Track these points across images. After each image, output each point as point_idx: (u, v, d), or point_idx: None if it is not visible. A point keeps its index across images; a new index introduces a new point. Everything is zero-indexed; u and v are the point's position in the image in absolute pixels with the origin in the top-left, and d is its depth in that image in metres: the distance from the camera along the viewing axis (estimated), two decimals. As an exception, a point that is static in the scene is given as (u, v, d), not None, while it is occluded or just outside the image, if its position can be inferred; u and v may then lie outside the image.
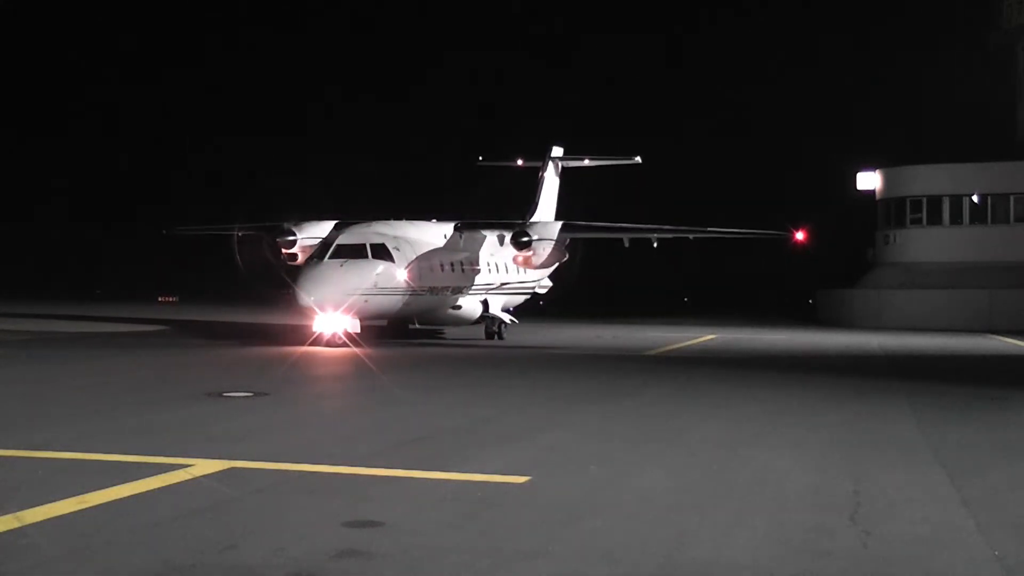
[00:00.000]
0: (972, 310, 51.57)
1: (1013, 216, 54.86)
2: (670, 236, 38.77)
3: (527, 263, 34.80)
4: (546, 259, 34.60)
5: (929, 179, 56.18)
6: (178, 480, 10.26)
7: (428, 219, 35.84)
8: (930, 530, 8.77)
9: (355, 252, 30.41)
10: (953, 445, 13.31)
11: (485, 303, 35.78)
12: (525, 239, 33.77)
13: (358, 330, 29.97)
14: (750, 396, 18.93)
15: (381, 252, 30.81)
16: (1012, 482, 10.98)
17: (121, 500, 9.36)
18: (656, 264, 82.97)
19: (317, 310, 29.40)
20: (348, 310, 29.51)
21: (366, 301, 29.92)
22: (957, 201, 55.54)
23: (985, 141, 59.32)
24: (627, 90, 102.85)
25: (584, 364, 26.60)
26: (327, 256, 30.17)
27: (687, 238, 39.56)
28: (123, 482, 9.98)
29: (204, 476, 10.48)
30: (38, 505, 8.96)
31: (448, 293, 34.26)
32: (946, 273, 53.63)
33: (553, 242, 33.89)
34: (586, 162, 44.76)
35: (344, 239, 30.95)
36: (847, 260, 65.79)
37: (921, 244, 55.69)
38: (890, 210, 57.66)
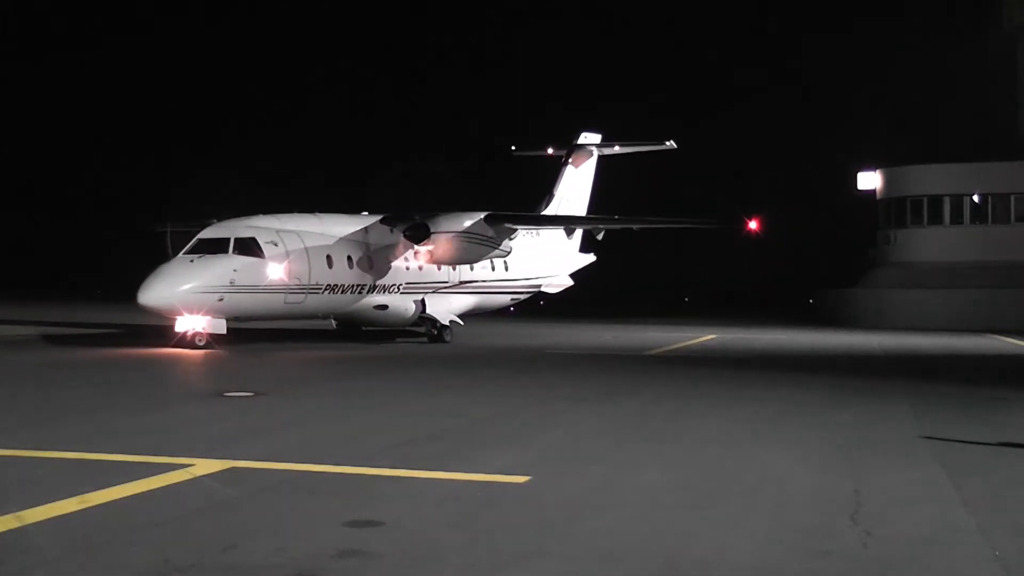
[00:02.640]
0: (973, 310, 51.61)
1: (1014, 216, 54.93)
2: (614, 227, 37.68)
3: (430, 259, 32.18)
4: (456, 254, 32.00)
5: (930, 179, 56.25)
6: (179, 480, 10.26)
7: (360, 213, 33.28)
8: (930, 530, 8.77)
9: (215, 247, 28.10)
10: (954, 445, 13.31)
11: (422, 303, 33.17)
12: (415, 233, 31.74)
13: (223, 331, 27.76)
14: (750, 396, 18.93)
15: (248, 246, 28.38)
16: (1013, 482, 10.98)
17: (122, 500, 9.36)
18: (656, 263, 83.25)
19: (157, 312, 27.39)
20: (197, 310, 27.15)
21: (220, 300, 27.42)
22: (958, 201, 55.62)
23: (986, 141, 59.41)
24: (639, 80, 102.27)
25: (584, 364, 26.60)
26: (182, 252, 28.08)
27: (631, 228, 38.65)
28: (124, 482, 9.99)
29: (205, 476, 10.48)
30: (39, 505, 8.97)
31: (362, 292, 31.61)
32: (947, 273, 53.67)
33: (459, 236, 31.45)
34: (616, 149, 42.32)
35: (208, 233, 28.72)
36: (847, 260, 65.91)
37: (922, 244, 55.76)
38: (891, 210, 57.71)
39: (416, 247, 31.90)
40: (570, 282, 41.25)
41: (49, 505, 8.99)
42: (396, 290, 32.65)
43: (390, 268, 32.38)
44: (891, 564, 7.79)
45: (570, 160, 41.41)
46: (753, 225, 35.49)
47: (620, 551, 8.00)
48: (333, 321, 33.13)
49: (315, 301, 30.30)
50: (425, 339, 33.48)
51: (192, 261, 27.52)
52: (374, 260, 31.95)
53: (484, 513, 9.17)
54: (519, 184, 43.39)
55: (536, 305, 53.54)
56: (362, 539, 8.15)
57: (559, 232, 39.81)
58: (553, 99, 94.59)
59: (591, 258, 42.03)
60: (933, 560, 7.91)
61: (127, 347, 28.63)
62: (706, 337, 39.69)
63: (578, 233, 40.92)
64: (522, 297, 40.08)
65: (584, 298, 61.59)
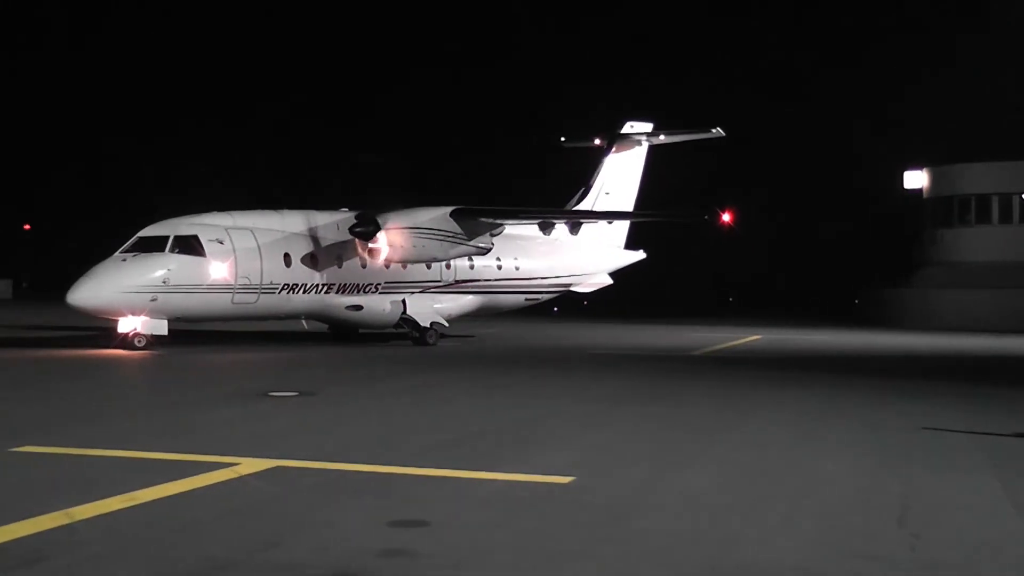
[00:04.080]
0: (1021, 311, 50.90)
1: (1064, 215, 54.15)
2: (588, 221, 36.29)
3: (381, 256, 30.12)
4: (410, 252, 30.03)
5: (978, 177, 55.58)
6: (224, 478, 10.33)
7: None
8: (980, 536, 8.64)
9: (152, 245, 27.08)
10: (1005, 450, 13.11)
11: (403, 304, 31.62)
12: (361, 229, 29.98)
13: (163, 331, 26.85)
14: (795, 397, 18.79)
15: (189, 244, 27.27)
16: (1064, 486, 10.81)
17: (168, 498, 9.44)
18: (698, 262, 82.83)
19: (86, 313, 26.55)
20: (128, 311, 26.35)
21: (153, 300, 26.39)
22: (1006, 200, 54.91)
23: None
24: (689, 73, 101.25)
25: (628, 364, 26.53)
26: (119, 250, 27.16)
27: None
28: (170, 480, 10.07)
29: (250, 475, 10.55)
30: (87, 502, 9.07)
31: (329, 292, 30.20)
32: (995, 273, 52.97)
33: (410, 231, 29.74)
34: (662, 138, 40.07)
35: (148, 231, 27.61)
36: (893, 260, 65.26)
37: (969, 243, 55.08)
38: (938, 209, 57.08)
39: (369, 244, 30.02)
40: (608, 281, 39.51)
41: (97, 502, 9.08)
42: (373, 289, 31.18)
43: (364, 267, 30.80)
44: (940, 569, 7.69)
45: (613, 151, 39.58)
46: (726, 217, 35.20)
47: (664, 552, 7.96)
48: (304, 322, 31.75)
49: (271, 301, 28.98)
50: (409, 342, 31.89)
51: (124, 260, 26.68)
52: (344, 258, 30.46)
53: (528, 513, 9.16)
54: (569, 176, 41.44)
55: (580, 305, 53.50)
56: (406, 539, 8.16)
57: (596, 227, 38.27)
58: (598, 87, 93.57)
59: (638, 255, 40.44)
60: (983, 566, 7.80)
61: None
62: (751, 337, 39.45)
63: (621, 228, 39.76)
64: (543, 297, 38.26)
65: (629, 297, 61.54)
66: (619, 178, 39.82)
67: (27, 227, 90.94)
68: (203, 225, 28.04)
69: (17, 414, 15.04)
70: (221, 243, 27.80)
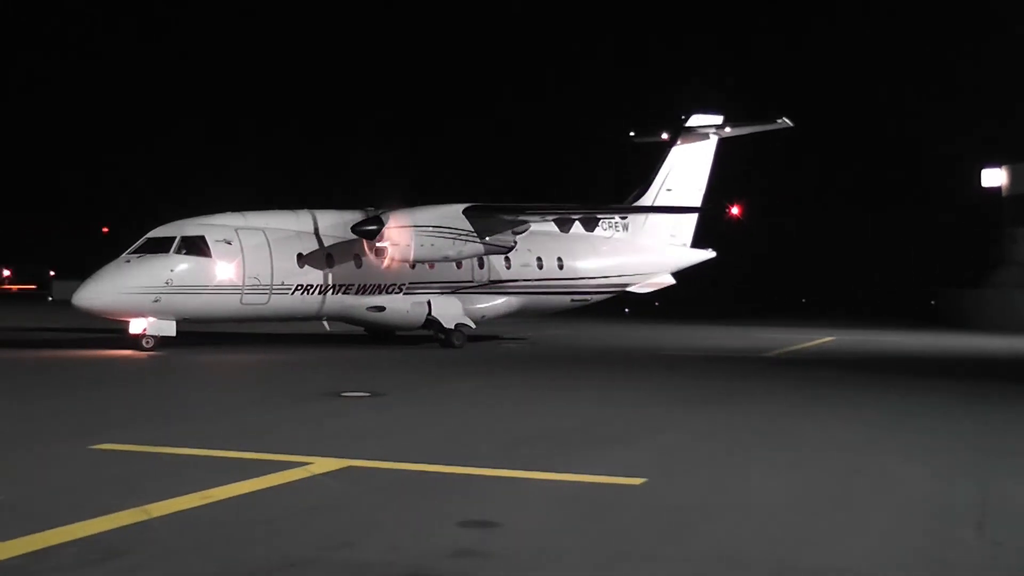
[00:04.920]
0: (1104, 311, 49.66)
1: None
2: (582, 216, 33.52)
3: (386, 256, 28.74)
4: (416, 251, 28.62)
5: (1059, 175, 54.35)
6: (297, 477, 10.45)
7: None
8: (1061, 541, 8.46)
9: (158, 246, 26.80)
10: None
11: (429, 305, 30.52)
12: (364, 228, 28.85)
13: (171, 332, 26.58)
14: (869, 400, 18.53)
15: (195, 245, 26.91)
16: None
17: (243, 496, 9.57)
18: (768, 262, 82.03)
19: (91, 314, 26.41)
20: (132, 312, 26.16)
21: (156, 301, 26.07)
22: (1088, 198, 53.65)
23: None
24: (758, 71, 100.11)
25: (700, 365, 26.35)
26: (127, 251, 26.97)
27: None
28: (244, 478, 10.21)
29: (322, 474, 10.65)
30: (164, 499, 9.22)
31: (348, 293, 29.33)
32: (1077, 273, 51.79)
33: (414, 230, 28.45)
34: (728, 130, 38.29)
35: (157, 232, 27.35)
36: (971, 260, 64.09)
37: (1050, 243, 53.87)
38: (1017, 207, 55.90)
39: (376, 243, 28.83)
40: (670, 281, 37.66)
41: (173, 500, 9.24)
42: (396, 290, 30.22)
43: (382, 266, 29.52)
44: None
45: (677, 145, 37.92)
46: (735, 211, 34.82)
47: (735, 555, 7.90)
48: (326, 323, 30.88)
49: (284, 302, 28.29)
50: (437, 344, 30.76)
51: (128, 262, 26.54)
52: (362, 258, 29.47)
53: (599, 515, 9.14)
54: (640, 173, 39.93)
55: (650, 305, 53.25)
56: (476, 539, 8.19)
57: (657, 226, 36.98)
58: (666, 78, 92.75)
59: (706, 254, 38.78)
60: (1064, 572, 7.64)
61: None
62: (824, 339, 38.94)
63: (688, 226, 38.19)
64: (594, 298, 36.49)
65: (698, 297, 61.05)
66: (684, 173, 38.14)
67: (106, 230, 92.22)
68: (211, 226, 27.74)
69: (92, 413, 15.34)
70: (229, 243, 27.40)
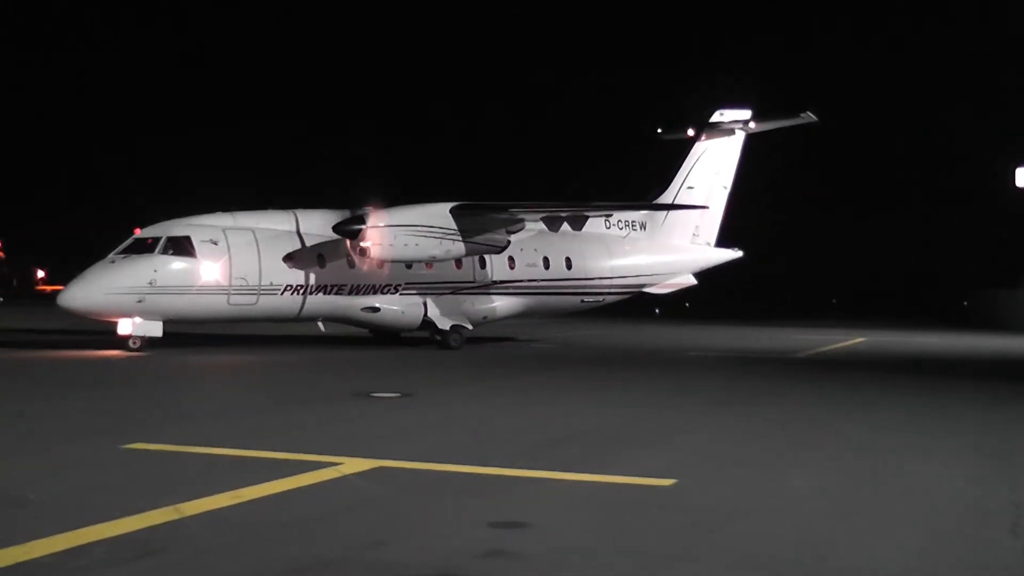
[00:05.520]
0: None
1: None
2: (569, 214, 31.78)
3: (368, 256, 28.08)
4: (398, 250, 27.99)
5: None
6: (328, 477, 10.48)
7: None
8: (1097, 544, 8.37)
9: (145, 247, 26.90)
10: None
11: (425, 305, 30.34)
12: (344, 227, 28.35)
13: (157, 333, 26.64)
14: (900, 401, 18.42)
15: (180, 245, 26.91)
16: None
17: (273, 496, 9.61)
18: (799, 262, 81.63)
19: (76, 314, 26.60)
20: (117, 312, 26.31)
21: (139, 301, 26.16)
22: (1124, 198, 53.04)
23: None
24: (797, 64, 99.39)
25: (729, 366, 26.27)
26: (114, 252, 27.06)
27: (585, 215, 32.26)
28: (275, 478, 10.25)
29: (353, 474, 10.68)
30: (196, 498, 9.27)
31: (340, 293, 29.10)
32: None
33: (395, 229, 27.83)
34: (752, 126, 37.40)
35: (145, 232, 27.38)
36: (1005, 260, 63.59)
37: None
38: (1051, 208, 55.36)
39: (359, 244, 28.20)
40: (691, 282, 37.09)
41: (205, 499, 9.28)
42: (392, 290, 29.95)
43: (352, 267, 29.20)
44: (1054, 579, 7.47)
45: (701, 141, 37.24)
46: (707, 207, 35.25)
47: (765, 557, 7.87)
48: (321, 324, 30.26)
49: (274, 303, 28.12)
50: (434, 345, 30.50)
51: (113, 262, 26.65)
52: (353, 258, 29.03)
53: (630, 516, 9.12)
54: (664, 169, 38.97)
55: (681, 306, 53.16)
56: (507, 540, 8.18)
57: (678, 225, 36.46)
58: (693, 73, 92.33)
59: (732, 254, 38.23)
60: (1100, 576, 7.55)
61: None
62: (855, 340, 38.75)
63: (713, 225, 37.50)
64: (606, 299, 35.64)
65: (725, 298, 60.87)
66: (708, 171, 37.46)
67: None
68: (198, 226, 27.65)
69: (122, 413, 15.43)
70: (215, 244, 27.31)
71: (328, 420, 14.94)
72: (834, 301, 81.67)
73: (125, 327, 26.47)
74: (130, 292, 26.09)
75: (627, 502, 9.68)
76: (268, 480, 10.14)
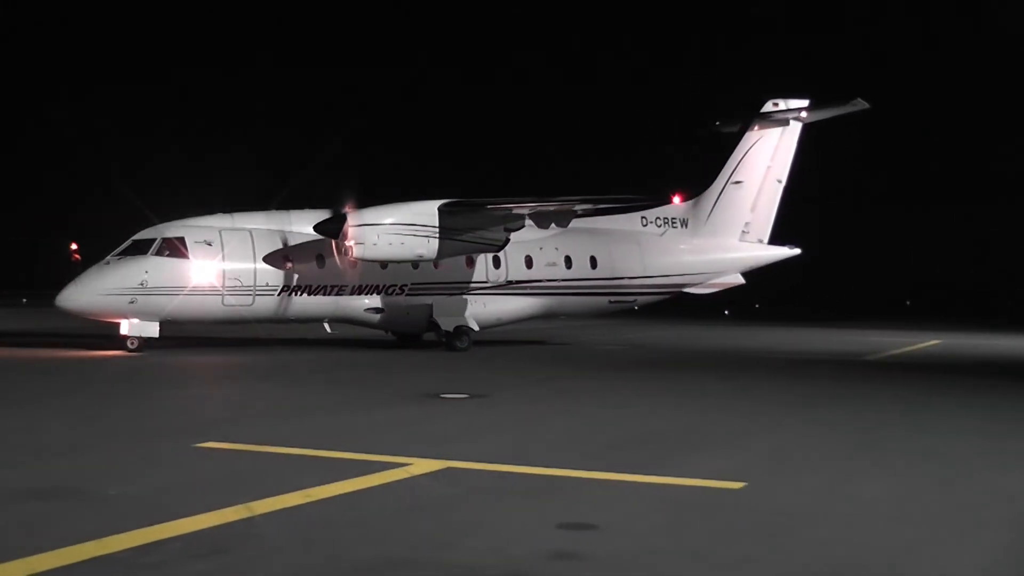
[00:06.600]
0: None
1: None
2: (556, 208, 29.93)
3: (352, 255, 27.37)
4: (382, 250, 27.21)
5: None
6: (397, 478, 10.55)
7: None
8: None
9: (140, 248, 27.07)
10: None
11: (431, 307, 29.90)
12: (325, 227, 27.98)
13: (153, 333, 26.87)
14: (976, 407, 18.10)
15: (174, 246, 26.99)
16: None
17: (344, 495, 9.69)
18: (870, 262, 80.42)
19: (72, 314, 26.99)
20: (111, 313, 26.66)
21: (132, 302, 26.37)
22: None
23: None
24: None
25: (800, 368, 25.99)
26: (111, 253, 27.24)
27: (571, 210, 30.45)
28: (345, 478, 10.34)
29: (422, 475, 10.74)
30: (267, 497, 9.39)
31: (341, 293, 28.79)
32: None
33: (381, 228, 27.07)
34: (804, 115, 35.58)
35: (142, 234, 27.51)
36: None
37: None
38: None
39: (344, 243, 27.68)
40: (739, 281, 35.30)
41: (276, 497, 9.39)
42: (398, 291, 29.60)
43: (339, 267, 28.73)
44: None
45: (751, 133, 35.56)
46: (676, 200, 33.82)
47: (835, 564, 7.77)
48: (327, 325, 30.00)
49: (271, 304, 28.01)
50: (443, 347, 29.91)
51: (108, 264, 26.90)
52: (338, 258, 28.58)
53: (698, 519, 9.07)
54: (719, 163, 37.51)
55: (751, 307, 52.71)
56: (576, 542, 8.18)
57: (723, 222, 34.88)
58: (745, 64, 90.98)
59: (786, 251, 36.17)
60: None
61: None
62: (930, 342, 38.12)
63: (766, 220, 35.62)
64: (641, 300, 34.45)
65: (797, 299, 60.15)
66: (758, 163, 35.58)
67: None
68: (194, 227, 27.67)
69: (194, 412, 15.66)
70: (209, 244, 27.30)
71: (397, 421, 15.03)
72: (908, 303, 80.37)
73: (124, 327, 26.91)
74: (122, 293, 26.38)
75: (696, 504, 9.63)
76: (338, 480, 10.23)
